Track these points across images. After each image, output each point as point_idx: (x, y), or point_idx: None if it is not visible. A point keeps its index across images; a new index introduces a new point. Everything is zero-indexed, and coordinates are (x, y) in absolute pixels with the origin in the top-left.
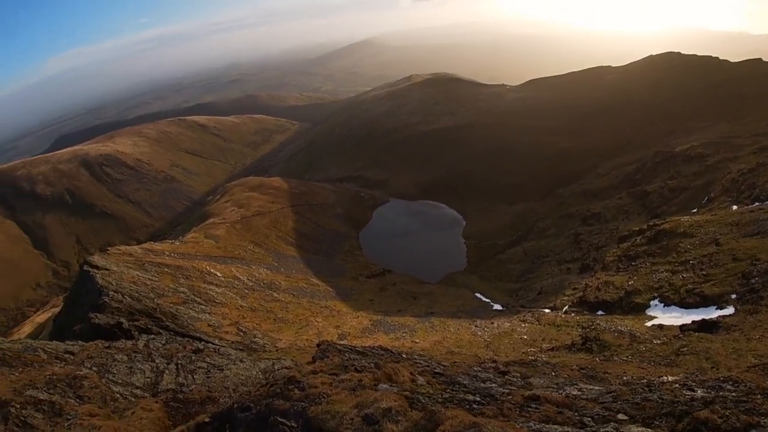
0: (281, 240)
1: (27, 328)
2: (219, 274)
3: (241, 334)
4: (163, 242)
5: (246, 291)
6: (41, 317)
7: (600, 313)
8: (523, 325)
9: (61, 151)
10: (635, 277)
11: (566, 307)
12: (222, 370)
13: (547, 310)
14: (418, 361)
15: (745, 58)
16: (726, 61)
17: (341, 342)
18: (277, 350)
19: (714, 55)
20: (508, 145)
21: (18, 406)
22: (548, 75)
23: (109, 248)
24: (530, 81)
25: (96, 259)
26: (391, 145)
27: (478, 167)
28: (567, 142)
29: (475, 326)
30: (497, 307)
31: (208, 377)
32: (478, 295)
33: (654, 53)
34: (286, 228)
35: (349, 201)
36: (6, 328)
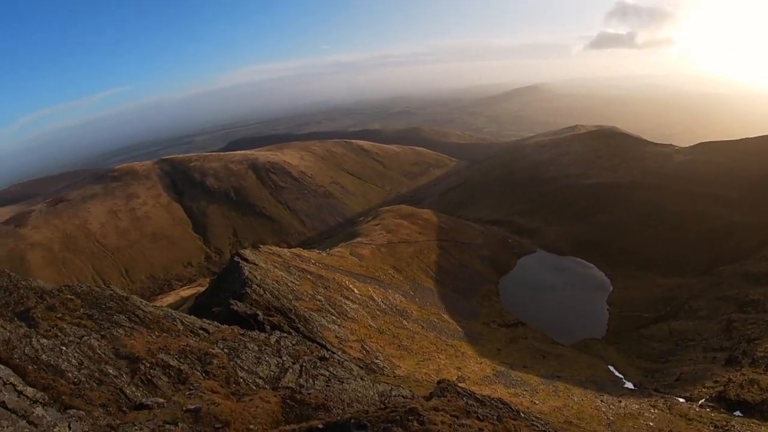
0: (421, 271)
1: (170, 298)
2: (356, 291)
3: (364, 352)
4: (311, 251)
5: (378, 312)
6: (186, 292)
7: (737, 413)
8: (652, 411)
9: (234, 152)
10: None
11: (703, 400)
12: (342, 382)
13: (681, 399)
14: (535, 423)
15: None
16: None
17: (460, 384)
18: (395, 377)
19: None
20: (669, 211)
21: (148, 365)
22: (722, 138)
23: (261, 246)
24: (701, 143)
25: (247, 252)
26: (547, 194)
27: (634, 230)
28: (735, 215)
29: (601, 400)
30: (629, 385)
31: (327, 386)
32: (611, 368)
33: None
34: (429, 260)
35: (495, 244)
36: (152, 294)
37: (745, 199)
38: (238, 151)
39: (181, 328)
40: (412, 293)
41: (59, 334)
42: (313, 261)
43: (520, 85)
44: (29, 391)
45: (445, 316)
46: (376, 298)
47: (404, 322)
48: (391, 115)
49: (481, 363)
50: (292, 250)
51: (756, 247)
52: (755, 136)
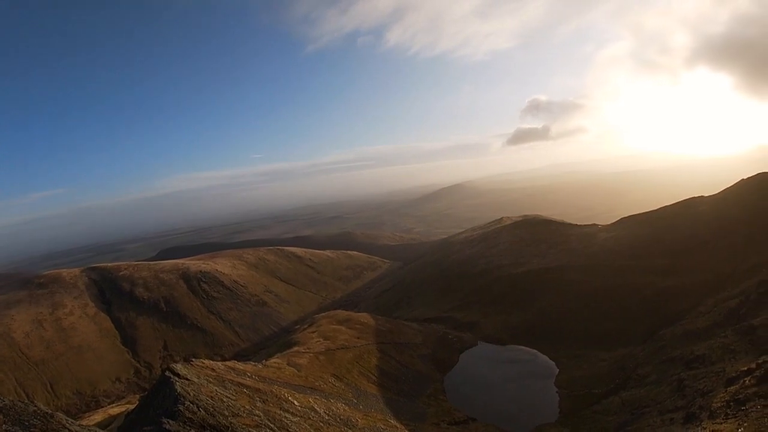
0: (363, 376)
1: (98, 416)
2: (296, 403)
3: None
4: (247, 363)
5: (321, 424)
6: (115, 410)
7: None
8: None
9: (165, 261)
10: (745, 424)
11: None
12: None
13: None
14: None
15: None
16: None
17: None
18: None
19: None
20: (602, 287)
21: None
22: (640, 211)
23: (193, 359)
24: (622, 219)
25: (179, 367)
26: (481, 287)
27: (572, 311)
28: (665, 281)
29: None
30: None
31: None
32: None
33: (746, 176)
34: (370, 364)
35: (435, 342)
36: (78, 411)
37: (671, 264)
38: (170, 260)
39: None
40: (355, 401)
41: None
42: (249, 374)
43: (446, 185)
44: None
45: (392, 421)
46: (318, 408)
47: None
48: (323, 221)
49: None
50: (227, 363)
51: (691, 307)
52: (670, 204)
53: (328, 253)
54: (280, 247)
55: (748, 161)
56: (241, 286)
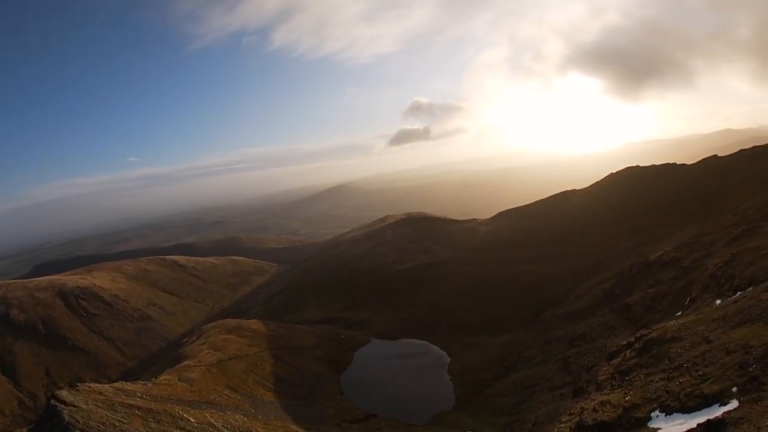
0: (259, 384)
1: None
2: (192, 420)
3: None
4: (136, 383)
5: None
6: None
7: None
8: None
9: (40, 278)
10: (631, 392)
11: None
12: None
13: None
14: None
15: (700, 158)
16: (683, 164)
17: None
18: None
19: (671, 162)
20: (485, 278)
21: None
22: (517, 205)
23: (79, 384)
24: (500, 213)
25: (64, 394)
26: (369, 285)
27: (459, 302)
28: (543, 268)
29: None
30: None
31: None
32: None
33: (614, 170)
34: (264, 372)
35: (328, 343)
36: None
37: (548, 252)
38: (45, 277)
39: None
40: (253, 410)
41: None
42: (139, 394)
43: (331, 186)
44: None
45: (293, 427)
46: (215, 423)
47: None
48: (205, 226)
49: None
50: (114, 385)
51: (569, 291)
52: (545, 197)
53: (212, 260)
54: (161, 257)
55: (615, 157)
56: (123, 300)
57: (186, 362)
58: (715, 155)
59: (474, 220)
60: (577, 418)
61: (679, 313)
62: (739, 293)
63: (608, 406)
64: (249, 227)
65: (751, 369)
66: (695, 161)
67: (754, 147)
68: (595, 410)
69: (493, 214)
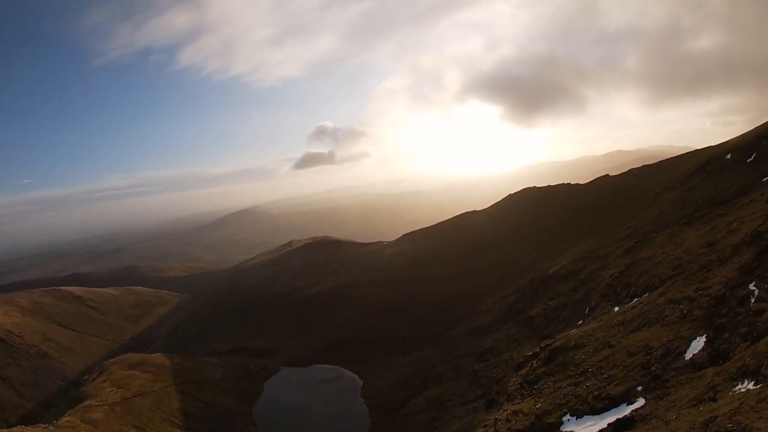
0: (166, 422)
1: None
2: None
3: None
4: (36, 426)
5: None
6: None
7: None
8: None
9: None
10: (542, 399)
11: None
12: None
13: None
14: None
15: (593, 178)
16: (577, 184)
17: None
18: None
19: (566, 182)
20: (393, 298)
21: None
22: (421, 227)
23: None
24: (406, 234)
25: None
26: (277, 312)
27: (367, 324)
28: (449, 286)
29: None
30: None
31: None
32: None
33: (512, 191)
34: (172, 408)
35: (237, 374)
36: None
37: (452, 271)
38: None
39: None
40: None
41: None
42: None
43: (235, 210)
44: None
45: None
46: None
47: None
48: (102, 255)
49: None
50: (13, 430)
51: (474, 307)
52: (448, 218)
53: (111, 290)
54: (56, 288)
55: (513, 179)
56: (17, 336)
57: (88, 402)
58: (607, 174)
59: (380, 242)
60: (492, 429)
61: (580, 322)
62: (636, 299)
63: (521, 415)
64: (149, 255)
65: (653, 368)
66: (588, 180)
67: (643, 166)
68: (508, 420)
69: (398, 236)
